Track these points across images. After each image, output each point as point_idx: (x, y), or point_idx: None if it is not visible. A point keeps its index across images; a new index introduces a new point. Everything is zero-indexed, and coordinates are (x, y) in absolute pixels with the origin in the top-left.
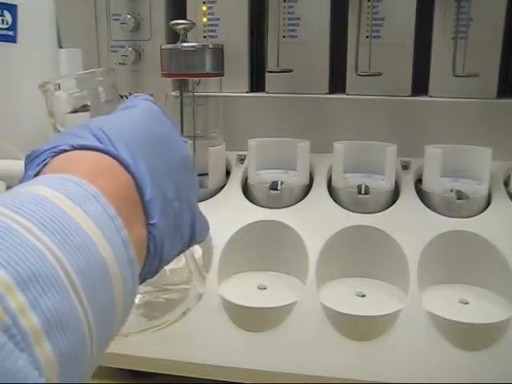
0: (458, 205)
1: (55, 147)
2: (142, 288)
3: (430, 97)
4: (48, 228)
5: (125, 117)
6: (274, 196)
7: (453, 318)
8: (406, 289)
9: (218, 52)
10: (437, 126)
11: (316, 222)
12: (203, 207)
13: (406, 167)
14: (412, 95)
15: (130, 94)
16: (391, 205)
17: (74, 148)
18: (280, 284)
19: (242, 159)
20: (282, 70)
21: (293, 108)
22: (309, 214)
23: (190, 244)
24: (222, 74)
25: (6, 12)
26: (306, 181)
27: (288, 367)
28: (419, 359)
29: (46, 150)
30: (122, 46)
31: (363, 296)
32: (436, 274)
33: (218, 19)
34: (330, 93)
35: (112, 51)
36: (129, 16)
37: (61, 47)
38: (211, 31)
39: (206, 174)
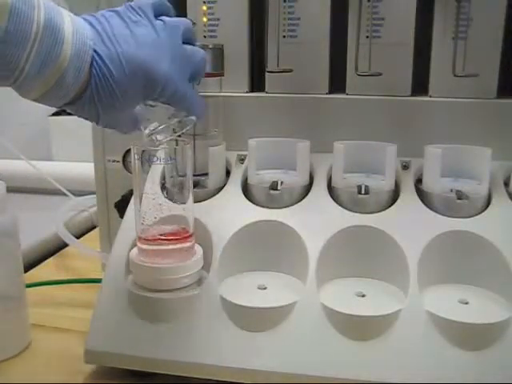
0: (457, 205)
1: None
2: None
3: (430, 97)
4: None
5: None
6: (274, 196)
7: (453, 317)
8: (406, 289)
9: (218, 52)
10: (437, 126)
11: (316, 222)
12: (203, 207)
13: (405, 167)
14: (412, 95)
15: None
16: (391, 205)
17: None
18: (280, 284)
19: (241, 159)
20: (282, 70)
21: (293, 108)
22: (309, 214)
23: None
24: (222, 74)
25: None
26: (306, 181)
27: (288, 367)
28: (419, 359)
29: None
30: None
31: (363, 296)
32: (436, 274)
33: (218, 19)
34: (329, 93)
35: None
36: None
37: None
38: (211, 31)
39: (206, 174)
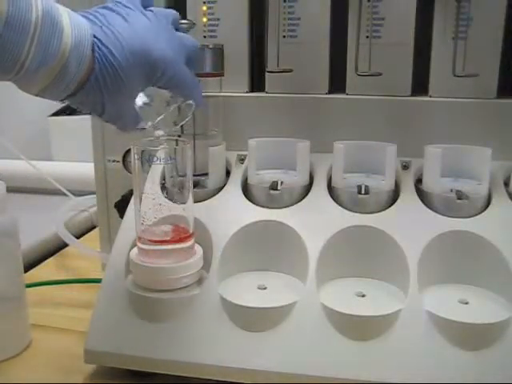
0: (457, 205)
1: None
2: None
3: (430, 97)
4: None
5: None
6: (274, 196)
7: (453, 317)
8: (406, 289)
9: (218, 52)
10: (437, 126)
11: (316, 222)
12: (203, 207)
13: (405, 167)
14: (412, 95)
15: None
16: (391, 205)
17: None
18: (280, 284)
19: (241, 159)
20: (282, 70)
21: (293, 108)
22: (309, 214)
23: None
24: (222, 74)
25: None
26: (306, 181)
27: (288, 367)
28: (419, 359)
29: None
30: None
31: (363, 296)
32: (436, 273)
33: (218, 19)
34: (329, 93)
35: None
36: None
37: None
38: (211, 31)
39: (206, 174)
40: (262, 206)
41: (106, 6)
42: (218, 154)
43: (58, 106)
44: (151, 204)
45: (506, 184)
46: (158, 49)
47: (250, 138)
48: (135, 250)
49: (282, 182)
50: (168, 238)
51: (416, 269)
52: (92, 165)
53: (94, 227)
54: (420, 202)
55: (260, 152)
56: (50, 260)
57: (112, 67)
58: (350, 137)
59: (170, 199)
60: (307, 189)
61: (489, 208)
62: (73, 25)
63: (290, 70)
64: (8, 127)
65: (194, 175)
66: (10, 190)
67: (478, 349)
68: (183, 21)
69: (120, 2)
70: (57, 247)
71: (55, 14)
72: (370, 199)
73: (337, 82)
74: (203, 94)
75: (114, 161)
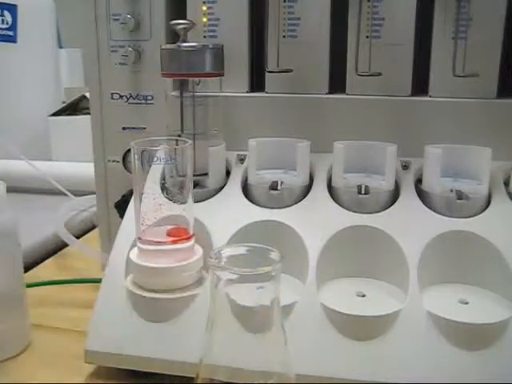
0: (457, 205)
1: None
2: None
3: (430, 97)
4: None
5: None
6: (274, 196)
7: (453, 318)
8: (406, 289)
9: (218, 52)
10: (437, 126)
11: (316, 222)
12: (203, 207)
13: (405, 167)
14: (412, 95)
15: (131, 94)
16: (391, 205)
17: None
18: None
19: (241, 159)
20: (282, 69)
21: (293, 108)
22: (309, 213)
23: None
24: (222, 74)
25: (6, 12)
26: (306, 181)
27: None
28: (419, 359)
29: None
30: (122, 46)
31: (363, 296)
32: (436, 274)
33: (218, 19)
34: (329, 93)
35: (112, 51)
36: (129, 16)
37: (61, 47)
38: (211, 31)
39: (206, 174)
40: (262, 206)
41: None
42: (218, 154)
43: (58, 106)
44: (151, 204)
45: (506, 184)
46: None
47: (250, 138)
48: (135, 250)
49: (282, 182)
50: (168, 239)
51: (416, 269)
52: (92, 165)
53: (94, 227)
54: (420, 202)
55: (260, 152)
56: (50, 260)
57: None
58: (350, 137)
59: (170, 199)
60: (307, 189)
61: (489, 208)
62: None
63: (290, 70)
64: (8, 127)
65: (194, 175)
66: (10, 189)
67: (478, 349)
68: (183, 21)
69: None
70: (57, 247)
71: None
72: (369, 199)
73: (337, 82)
74: (203, 93)
75: (114, 161)
